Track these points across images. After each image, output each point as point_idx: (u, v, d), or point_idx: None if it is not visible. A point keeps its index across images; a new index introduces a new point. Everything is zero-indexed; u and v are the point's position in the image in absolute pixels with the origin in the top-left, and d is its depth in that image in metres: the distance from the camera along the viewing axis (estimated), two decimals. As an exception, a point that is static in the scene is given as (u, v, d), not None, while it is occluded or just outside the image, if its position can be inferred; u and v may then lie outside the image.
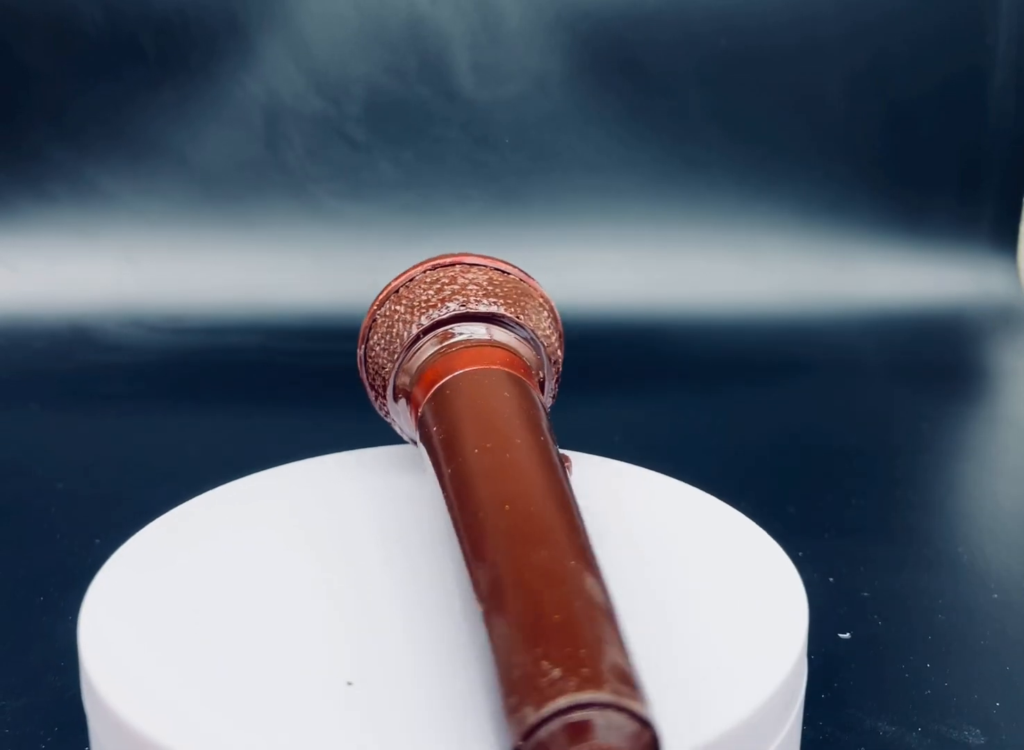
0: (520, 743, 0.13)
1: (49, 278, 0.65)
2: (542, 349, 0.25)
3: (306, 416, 0.52)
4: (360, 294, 0.67)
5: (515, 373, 0.23)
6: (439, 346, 0.24)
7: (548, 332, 0.26)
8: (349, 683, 0.18)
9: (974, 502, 0.45)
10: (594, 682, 0.13)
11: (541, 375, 0.25)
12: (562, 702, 0.13)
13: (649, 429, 0.50)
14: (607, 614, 0.15)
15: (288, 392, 0.56)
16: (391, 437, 0.28)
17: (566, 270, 0.68)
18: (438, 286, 0.25)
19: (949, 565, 0.36)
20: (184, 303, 0.65)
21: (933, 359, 0.64)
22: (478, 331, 0.24)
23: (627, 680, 0.13)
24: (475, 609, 0.16)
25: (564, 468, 0.20)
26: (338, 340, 0.63)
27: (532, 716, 0.13)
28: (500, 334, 0.24)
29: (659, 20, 0.68)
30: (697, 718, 0.17)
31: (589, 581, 0.16)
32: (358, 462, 0.28)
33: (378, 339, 0.25)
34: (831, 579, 0.34)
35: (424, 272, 0.25)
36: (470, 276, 0.25)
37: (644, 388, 0.58)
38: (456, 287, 0.25)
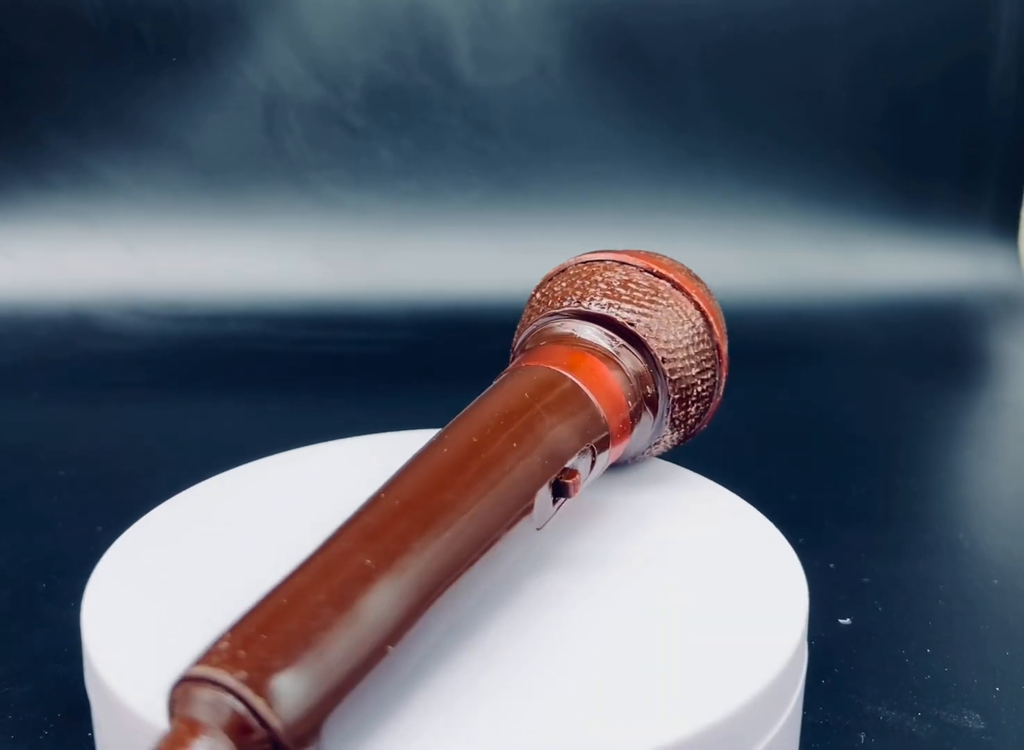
0: (172, 688, 0.14)
1: (49, 266, 0.65)
2: (656, 362, 0.23)
3: (307, 403, 0.52)
4: (360, 281, 0.67)
5: (567, 374, 0.22)
6: (537, 335, 0.24)
7: (677, 347, 0.23)
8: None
9: (975, 488, 0.45)
10: (233, 665, 0.13)
11: (648, 390, 0.23)
12: (197, 670, 0.14)
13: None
14: (337, 623, 0.15)
15: (289, 379, 0.56)
16: (392, 423, 0.28)
17: (567, 258, 0.67)
18: (587, 277, 0.24)
19: (949, 551, 0.36)
20: (184, 291, 0.64)
21: (934, 346, 0.64)
22: (577, 328, 0.23)
23: (266, 681, 0.13)
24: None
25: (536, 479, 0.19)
26: (339, 327, 0.63)
27: (186, 670, 0.14)
28: (595, 337, 0.23)
29: (659, 6, 0.68)
30: (698, 703, 0.17)
31: (357, 590, 0.15)
32: (361, 449, 0.28)
33: (539, 297, 0.25)
34: (831, 565, 0.34)
35: (589, 263, 0.25)
36: (609, 274, 0.24)
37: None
38: (593, 281, 0.24)
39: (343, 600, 0.15)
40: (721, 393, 0.25)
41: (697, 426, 0.25)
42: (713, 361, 0.24)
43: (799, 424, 0.50)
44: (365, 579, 0.15)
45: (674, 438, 0.25)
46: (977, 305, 0.70)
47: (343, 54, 0.67)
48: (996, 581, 0.34)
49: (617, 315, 0.23)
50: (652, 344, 0.23)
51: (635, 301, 0.23)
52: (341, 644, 0.14)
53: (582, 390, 0.22)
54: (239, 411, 0.51)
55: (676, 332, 0.23)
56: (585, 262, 0.25)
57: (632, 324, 0.23)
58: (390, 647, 0.15)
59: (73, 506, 0.38)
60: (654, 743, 0.16)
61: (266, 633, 0.14)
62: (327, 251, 0.67)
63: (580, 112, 0.69)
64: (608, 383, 0.22)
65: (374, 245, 0.67)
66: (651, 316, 0.23)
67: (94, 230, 0.66)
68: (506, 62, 0.68)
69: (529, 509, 0.19)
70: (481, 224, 0.68)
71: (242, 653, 0.14)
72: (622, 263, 0.24)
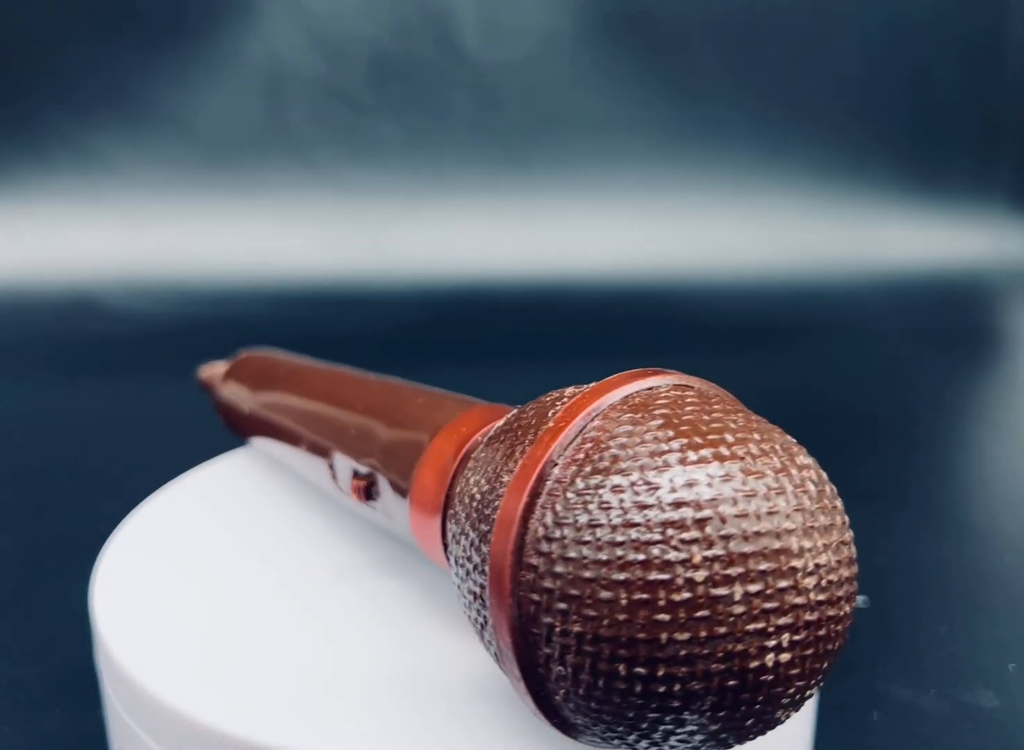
0: None
1: (50, 246, 0.64)
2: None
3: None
4: (365, 260, 0.66)
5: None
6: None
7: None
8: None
9: (989, 466, 0.44)
10: None
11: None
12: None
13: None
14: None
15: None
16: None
17: (575, 235, 0.67)
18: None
19: (963, 529, 0.36)
20: (187, 270, 0.64)
21: (950, 322, 0.63)
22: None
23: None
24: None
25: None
26: (344, 306, 0.63)
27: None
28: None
29: (669, -24, 0.67)
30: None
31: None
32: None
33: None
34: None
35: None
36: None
37: (657, 352, 0.57)
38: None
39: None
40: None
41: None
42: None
43: (813, 401, 0.50)
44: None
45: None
46: (993, 281, 0.69)
47: (347, 28, 0.66)
48: (1009, 559, 0.33)
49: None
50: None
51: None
52: None
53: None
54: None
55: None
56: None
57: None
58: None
59: (78, 487, 0.38)
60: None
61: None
62: (331, 229, 0.67)
63: (589, 86, 0.68)
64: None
65: (379, 223, 0.67)
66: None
67: (95, 209, 0.66)
68: (513, 35, 0.67)
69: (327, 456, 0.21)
70: (488, 201, 0.68)
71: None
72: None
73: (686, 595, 0.11)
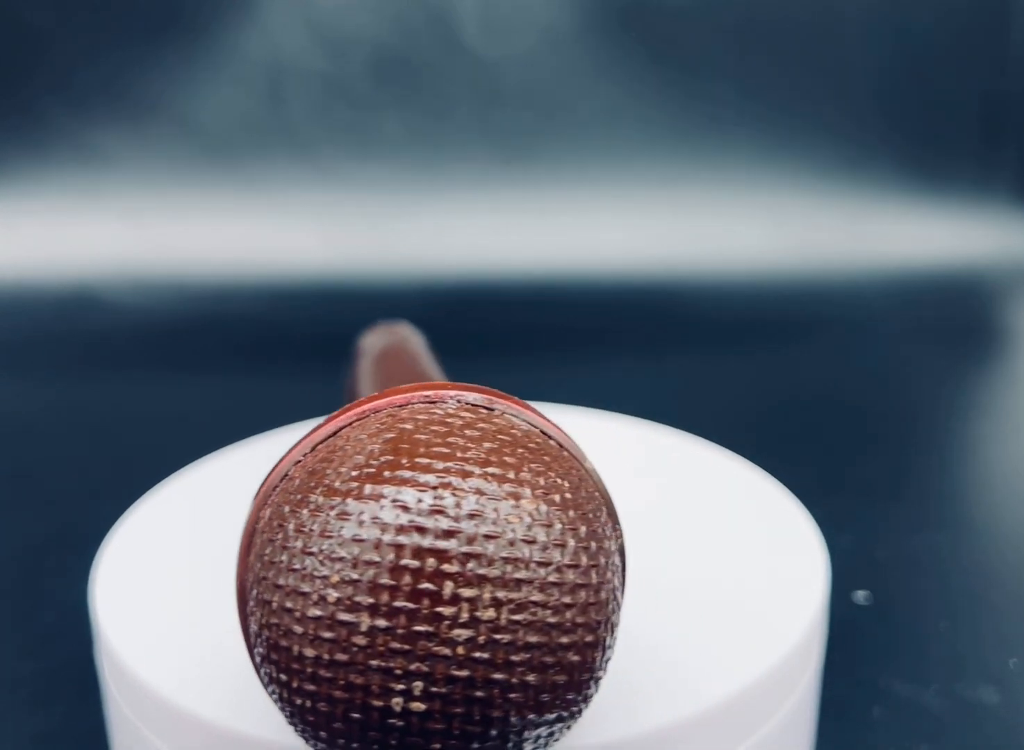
0: None
1: (51, 241, 0.64)
2: None
3: (315, 378, 0.51)
4: (367, 256, 0.66)
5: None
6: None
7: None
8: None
9: (992, 462, 0.44)
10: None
11: None
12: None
13: (666, 389, 0.50)
14: None
15: (296, 354, 0.55)
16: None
17: (577, 230, 0.67)
18: None
19: (965, 525, 0.36)
20: (188, 266, 0.64)
21: (952, 318, 0.63)
22: None
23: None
24: None
25: None
26: (345, 303, 0.63)
27: None
28: None
29: (671, -29, 0.67)
30: (714, 675, 0.17)
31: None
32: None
33: None
34: (847, 539, 0.34)
35: None
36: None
37: (661, 349, 0.57)
38: None
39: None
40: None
41: None
42: None
43: (816, 398, 0.50)
44: None
45: None
46: (997, 277, 0.69)
47: (348, 23, 0.66)
48: (1012, 556, 0.33)
49: None
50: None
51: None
52: None
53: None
54: (246, 387, 0.51)
55: None
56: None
57: None
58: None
59: (79, 483, 0.38)
60: (670, 715, 0.16)
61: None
62: (332, 224, 0.67)
63: (591, 81, 0.68)
64: None
65: (381, 218, 0.67)
66: None
67: (95, 204, 0.65)
68: (515, 30, 0.67)
69: None
70: (490, 196, 0.67)
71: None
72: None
73: (318, 612, 0.11)
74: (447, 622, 0.11)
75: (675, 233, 0.68)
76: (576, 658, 0.11)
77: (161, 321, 0.59)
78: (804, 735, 0.20)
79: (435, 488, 0.11)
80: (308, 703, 0.11)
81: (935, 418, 0.47)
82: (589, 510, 0.12)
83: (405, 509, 0.11)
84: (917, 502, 0.38)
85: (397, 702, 0.11)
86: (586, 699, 0.12)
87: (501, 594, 0.11)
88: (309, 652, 0.11)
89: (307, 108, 0.67)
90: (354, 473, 0.12)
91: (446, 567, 0.11)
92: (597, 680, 0.12)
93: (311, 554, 0.11)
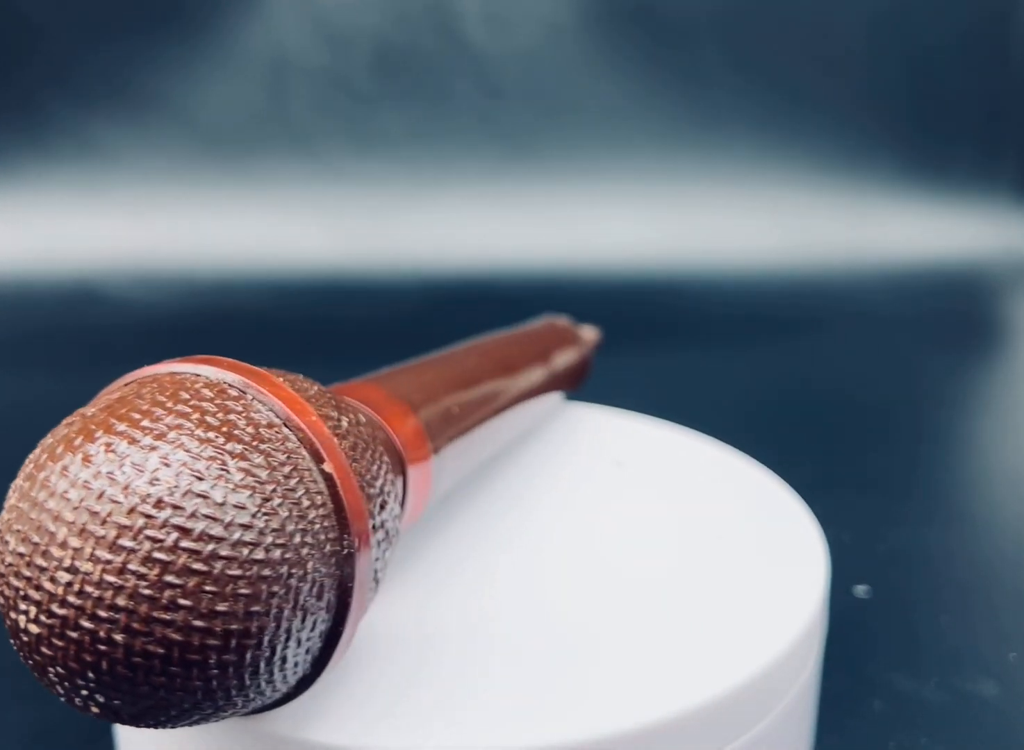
0: None
1: (54, 236, 0.64)
2: None
3: (317, 373, 0.51)
4: (369, 251, 0.66)
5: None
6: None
7: None
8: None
9: (991, 457, 0.44)
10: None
11: None
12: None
13: (667, 384, 0.50)
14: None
15: (298, 349, 0.55)
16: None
17: (578, 225, 0.67)
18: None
19: (965, 520, 0.36)
20: (191, 261, 0.64)
21: (953, 314, 0.63)
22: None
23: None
24: None
25: None
26: (347, 297, 0.63)
27: None
28: None
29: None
30: (716, 668, 0.17)
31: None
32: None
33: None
34: (847, 534, 0.34)
35: None
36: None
37: (662, 343, 0.57)
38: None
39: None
40: None
41: None
42: None
43: (816, 393, 0.50)
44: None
45: None
46: (996, 272, 0.69)
47: (350, 18, 0.66)
48: (1011, 550, 0.33)
49: None
50: None
51: None
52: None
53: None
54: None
55: None
56: None
57: None
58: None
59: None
60: (673, 707, 0.16)
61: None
62: (335, 219, 0.67)
63: (592, 76, 0.68)
64: None
65: (383, 213, 0.67)
66: None
67: (98, 198, 0.66)
68: (516, 25, 0.67)
69: None
70: (491, 192, 0.67)
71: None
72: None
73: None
74: (55, 562, 0.12)
75: (677, 229, 0.68)
76: (177, 637, 0.12)
77: (163, 315, 0.59)
78: (805, 728, 0.21)
79: (105, 448, 0.12)
80: None
81: (935, 413, 0.47)
82: (261, 504, 0.12)
83: (66, 471, 0.13)
84: (917, 497, 0.38)
85: (21, 620, 0.12)
86: (208, 694, 0.12)
87: (101, 553, 0.12)
88: None
89: (309, 103, 0.67)
90: (63, 431, 0.14)
91: (67, 515, 0.12)
92: (226, 686, 0.12)
93: (15, 490, 0.13)
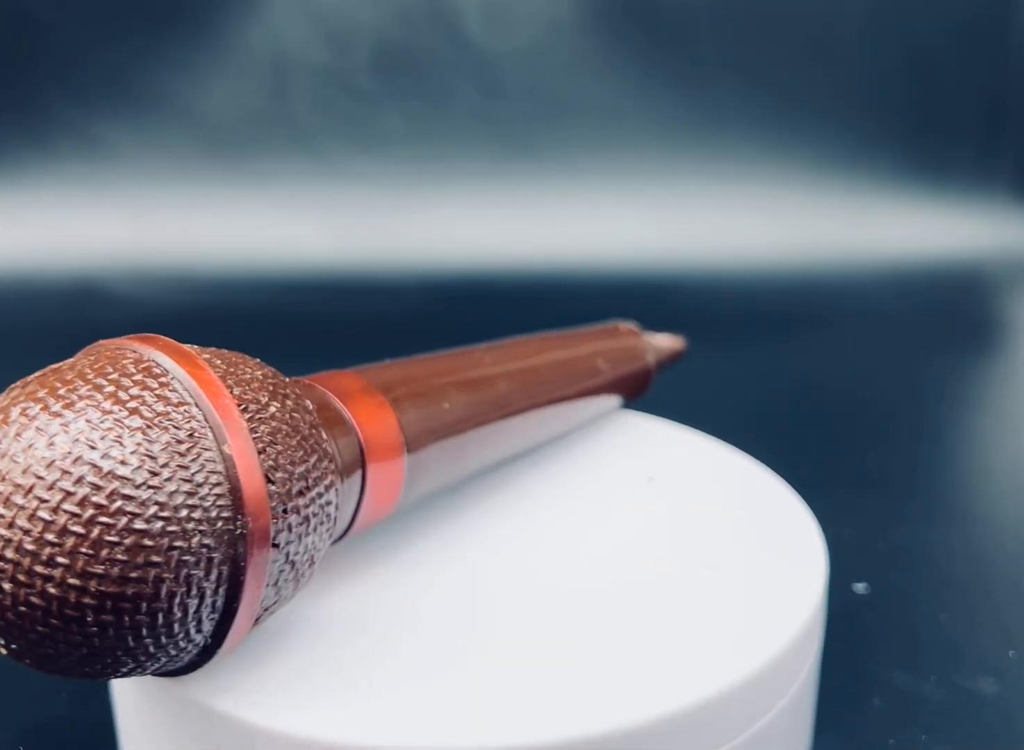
0: None
1: (55, 233, 0.64)
2: None
3: (317, 371, 0.52)
4: (369, 248, 0.66)
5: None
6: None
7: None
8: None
9: (990, 455, 0.44)
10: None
11: None
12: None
13: (666, 382, 0.50)
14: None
15: (298, 347, 0.55)
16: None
17: (578, 223, 0.67)
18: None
19: (964, 518, 0.36)
20: (192, 258, 0.64)
21: (952, 312, 0.63)
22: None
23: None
24: None
25: None
26: (348, 295, 0.63)
27: None
28: None
29: (673, -36, 0.67)
30: (716, 666, 0.17)
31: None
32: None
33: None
34: (847, 531, 0.34)
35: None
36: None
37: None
38: None
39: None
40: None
41: None
42: None
43: (815, 391, 0.50)
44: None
45: None
46: (996, 271, 0.69)
47: (351, 16, 0.66)
48: (1011, 548, 0.34)
49: None
50: None
51: None
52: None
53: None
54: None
55: None
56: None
57: None
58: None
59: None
60: (673, 705, 0.16)
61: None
62: (335, 217, 0.67)
63: (593, 75, 0.68)
64: None
65: (383, 211, 0.67)
66: None
67: (100, 196, 0.66)
68: (517, 23, 0.67)
69: None
70: (492, 189, 0.67)
71: None
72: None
73: None
74: None
75: (677, 228, 0.68)
76: (55, 592, 0.12)
77: (164, 312, 0.59)
78: (804, 725, 0.21)
79: (21, 411, 0.13)
80: None
81: (935, 411, 0.47)
82: (148, 478, 0.13)
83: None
84: (916, 495, 0.38)
85: None
86: (92, 650, 0.13)
87: (19, 520, 0.12)
88: None
89: (310, 102, 0.67)
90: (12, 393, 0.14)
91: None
92: (108, 644, 0.13)
93: None
